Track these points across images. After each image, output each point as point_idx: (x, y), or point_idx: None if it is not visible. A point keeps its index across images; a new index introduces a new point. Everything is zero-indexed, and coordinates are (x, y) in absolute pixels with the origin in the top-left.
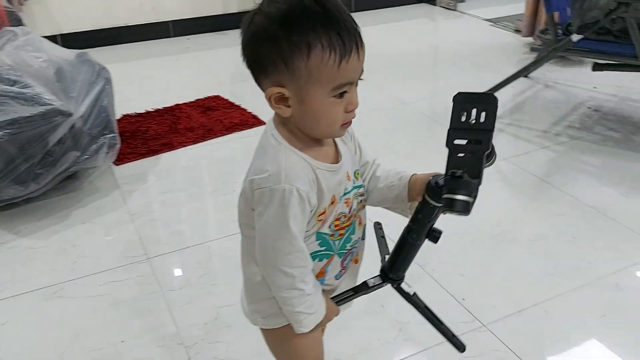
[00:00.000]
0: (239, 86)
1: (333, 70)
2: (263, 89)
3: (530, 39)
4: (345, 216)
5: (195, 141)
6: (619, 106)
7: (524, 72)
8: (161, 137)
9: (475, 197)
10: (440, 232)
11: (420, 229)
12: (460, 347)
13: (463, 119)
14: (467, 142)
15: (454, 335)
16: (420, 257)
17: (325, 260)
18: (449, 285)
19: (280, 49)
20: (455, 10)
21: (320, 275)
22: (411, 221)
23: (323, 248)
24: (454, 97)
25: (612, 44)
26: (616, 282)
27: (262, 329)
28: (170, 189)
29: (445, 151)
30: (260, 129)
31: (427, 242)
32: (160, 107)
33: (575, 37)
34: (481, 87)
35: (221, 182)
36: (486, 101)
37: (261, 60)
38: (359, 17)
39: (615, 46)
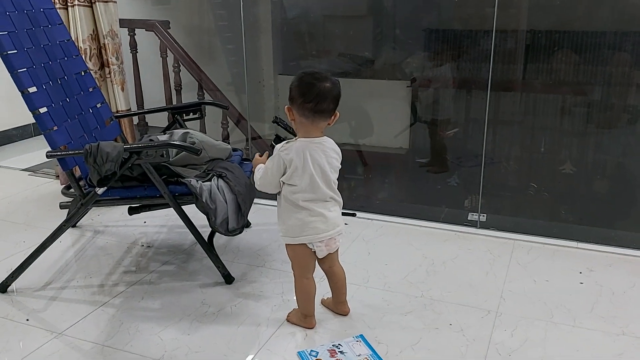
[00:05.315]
0: None
1: None
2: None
3: None
4: None
5: None
6: (169, 236)
7: (65, 227)
8: None
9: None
10: None
11: None
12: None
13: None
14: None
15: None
16: None
17: None
18: None
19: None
20: None
21: None
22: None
23: None
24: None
25: (139, 188)
26: None
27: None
28: None
29: None
30: None
31: None
32: None
33: (100, 190)
34: (27, 252)
35: None
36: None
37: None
38: None
39: (141, 190)
